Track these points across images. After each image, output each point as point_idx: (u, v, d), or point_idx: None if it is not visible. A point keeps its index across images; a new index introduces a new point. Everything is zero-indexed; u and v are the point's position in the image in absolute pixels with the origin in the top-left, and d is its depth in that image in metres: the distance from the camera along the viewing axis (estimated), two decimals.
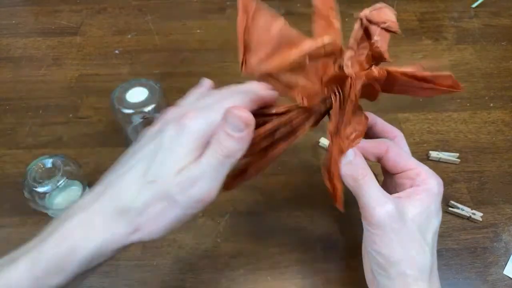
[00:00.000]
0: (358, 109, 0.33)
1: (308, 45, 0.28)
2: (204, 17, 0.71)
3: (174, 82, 0.60)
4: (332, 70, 0.29)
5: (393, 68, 0.29)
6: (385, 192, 0.30)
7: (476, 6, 0.72)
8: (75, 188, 0.45)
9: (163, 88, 0.49)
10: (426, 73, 0.28)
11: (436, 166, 0.50)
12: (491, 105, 0.57)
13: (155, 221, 0.25)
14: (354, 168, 0.31)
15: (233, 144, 0.25)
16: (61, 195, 0.45)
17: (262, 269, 0.42)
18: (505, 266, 0.42)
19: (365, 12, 0.29)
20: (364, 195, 0.30)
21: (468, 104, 0.57)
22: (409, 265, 0.29)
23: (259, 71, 0.28)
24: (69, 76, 0.62)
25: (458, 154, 0.50)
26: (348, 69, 0.28)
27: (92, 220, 0.25)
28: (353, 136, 0.32)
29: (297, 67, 0.28)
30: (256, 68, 0.28)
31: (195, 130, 0.25)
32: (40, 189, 0.42)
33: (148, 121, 0.49)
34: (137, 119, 0.48)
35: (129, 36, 0.68)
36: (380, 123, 0.35)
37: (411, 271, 0.29)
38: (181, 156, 0.25)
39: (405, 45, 0.66)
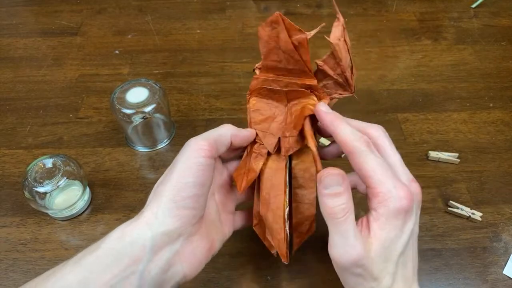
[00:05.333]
0: (300, 106, 0.34)
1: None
2: (204, 17, 0.71)
3: (174, 82, 0.60)
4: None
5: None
6: (357, 233, 0.28)
7: (476, 6, 0.72)
8: (76, 188, 0.45)
9: (163, 88, 0.49)
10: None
11: (436, 166, 0.50)
12: (491, 105, 0.57)
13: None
14: (339, 201, 0.29)
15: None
16: (62, 195, 0.45)
17: (262, 269, 0.42)
18: (505, 266, 0.42)
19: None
20: (336, 235, 0.29)
21: (467, 104, 0.57)
22: None
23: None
24: (69, 76, 0.62)
25: (457, 154, 0.50)
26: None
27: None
28: (295, 136, 0.34)
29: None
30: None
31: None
32: (41, 189, 0.42)
33: (148, 121, 0.49)
34: (137, 119, 0.48)
35: (129, 36, 0.68)
36: (338, 134, 0.31)
37: None
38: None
39: (404, 45, 0.66)
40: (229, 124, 0.35)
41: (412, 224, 0.29)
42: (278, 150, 0.35)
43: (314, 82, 0.34)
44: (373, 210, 0.29)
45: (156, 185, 0.32)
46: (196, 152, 0.31)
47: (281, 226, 0.34)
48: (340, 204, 0.29)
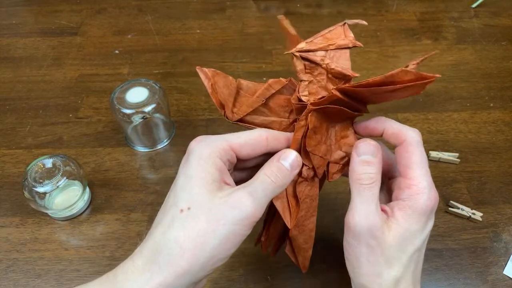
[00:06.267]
0: (349, 131, 0.32)
1: (259, 89, 0.32)
2: (204, 17, 0.71)
3: (174, 82, 0.60)
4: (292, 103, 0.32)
5: (346, 85, 0.30)
6: (378, 206, 0.29)
7: (476, 6, 0.72)
8: (75, 188, 0.45)
9: (163, 88, 0.49)
10: (379, 78, 0.28)
11: (436, 166, 0.50)
12: (491, 105, 0.57)
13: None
14: (369, 169, 0.29)
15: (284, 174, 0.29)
16: (61, 195, 0.45)
17: (262, 269, 0.42)
18: (505, 266, 0.42)
19: (297, 47, 0.31)
20: (358, 200, 0.29)
21: (468, 104, 0.57)
22: (372, 279, 0.29)
23: (234, 119, 0.32)
24: (69, 76, 0.62)
25: (458, 154, 0.50)
26: (306, 98, 0.31)
27: None
28: (343, 161, 0.32)
29: (262, 108, 0.32)
30: (231, 117, 0.32)
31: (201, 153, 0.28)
32: (40, 189, 0.42)
33: (148, 121, 0.49)
34: (137, 119, 0.48)
35: (129, 36, 0.68)
36: (389, 127, 0.31)
37: (372, 285, 0.29)
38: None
39: (405, 45, 0.66)
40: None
41: (431, 226, 0.30)
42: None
43: (367, 111, 0.32)
44: (400, 199, 0.29)
45: (162, 225, 0.27)
46: (248, 221, 0.26)
47: (310, 246, 0.34)
48: (369, 172, 0.29)
